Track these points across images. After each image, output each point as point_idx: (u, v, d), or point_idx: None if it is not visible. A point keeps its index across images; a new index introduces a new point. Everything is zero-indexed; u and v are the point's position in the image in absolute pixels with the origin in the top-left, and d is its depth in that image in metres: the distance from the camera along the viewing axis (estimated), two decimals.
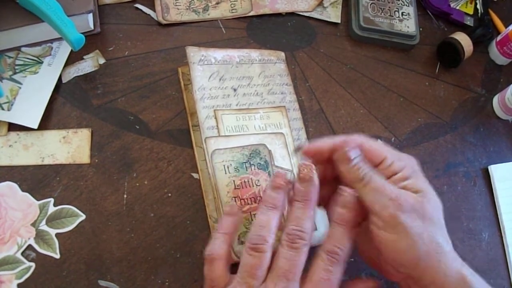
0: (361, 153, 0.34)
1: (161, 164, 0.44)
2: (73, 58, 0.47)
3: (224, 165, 0.42)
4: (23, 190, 0.41)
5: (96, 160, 0.43)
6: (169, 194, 0.43)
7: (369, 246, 0.35)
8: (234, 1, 0.54)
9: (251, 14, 0.53)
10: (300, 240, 0.32)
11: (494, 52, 0.59)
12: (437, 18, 0.60)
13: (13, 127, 0.43)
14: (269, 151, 0.44)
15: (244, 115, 0.45)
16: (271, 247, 0.33)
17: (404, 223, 0.31)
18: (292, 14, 0.55)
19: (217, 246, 0.35)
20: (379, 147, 0.35)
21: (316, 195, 0.34)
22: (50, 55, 0.46)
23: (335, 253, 0.32)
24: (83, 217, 0.41)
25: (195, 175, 0.44)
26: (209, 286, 0.34)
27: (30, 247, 0.39)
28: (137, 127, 0.46)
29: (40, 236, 0.40)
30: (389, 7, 0.56)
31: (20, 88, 0.44)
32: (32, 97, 0.44)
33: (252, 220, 0.41)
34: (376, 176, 0.33)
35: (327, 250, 0.33)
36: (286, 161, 0.44)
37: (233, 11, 0.53)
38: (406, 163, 0.35)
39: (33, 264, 0.39)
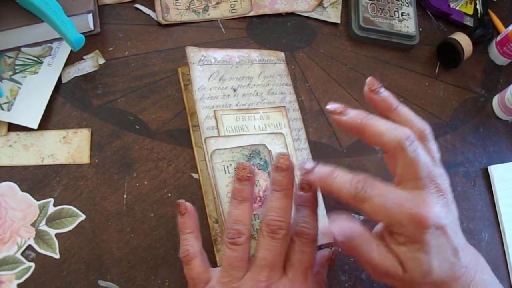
0: None
1: (161, 164, 0.44)
2: (73, 58, 0.47)
3: (224, 165, 0.42)
4: (23, 190, 0.41)
5: (96, 160, 0.43)
6: (169, 194, 0.43)
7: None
8: (234, 1, 0.54)
9: (251, 14, 0.54)
10: (281, 230, 0.33)
11: (494, 52, 0.59)
12: (437, 19, 0.60)
13: (13, 127, 0.43)
14: (269, 151, 0.44)
15: (244, 115, 0.45)
16: (249, 239, 0.34)
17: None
18: (292, 14, 0.55)
19: (189, 245, 0.36)
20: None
21: (292, 183, 0.34)
22: (50, 55, 0.46)
23: (304, 233, 0.34)
24: (83, 217, 0.41)
25: (195, 175, 0.44)
26: (191, 285, 0.35)
27: (30, 247, 0.39)
28: (137, 127, 0.46)
29: (40, 236, 0.40)
30: (389, 8, 0.56)
31: (20, 88, 0.44)
32: (32, 97, 0.44)
33: (252, 220, 0.41)
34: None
35: (297, 233, 0.34)
36: None
37: (233, 11, 0.53)
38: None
39: (33, 264, 0.39)
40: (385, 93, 0.35)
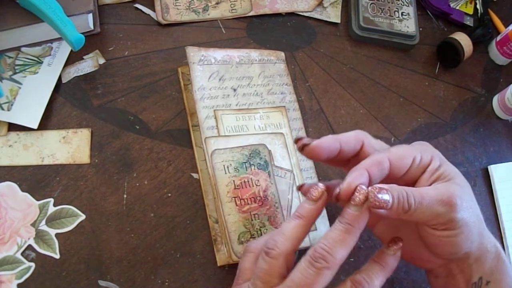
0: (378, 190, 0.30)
1: (161, 164, 0.44)
2: (73, 58, 0.47)
3: (224, 165, 0.42)
4: (23, 190, 0.41)
5: (96, 160, 0.43)
6: (169, 194, 0.43)
7: (407, 240, 0.35)
8: (234, 1, 0.54)
9: (251, 14, 0.53)
10: (324, 262, 0.30)
11: (494, 52, 0.59)
12: (437, 18, 0.60)
13: (13, 127, 0.43)
14: (269, 151, 0.44)
15: (244, 115, 0.45)
16: (284, 256, 0.31)
17: (462, 219, 0.31)
18: (292, 14, 0.55)
19: (256, 241, 0.36)
20: (403, 152, 0.33)
21: (364, 224, 0.31)
22: (50, 55, 0.46)
23: (363, 286, 0.31)
24: (83, 217, 0.41)
25: (195, 175, 0.44)
26: (237, 275, 0.35)
27: (30, 247, 0.39)
28: (137, 127, 0.46)
29: (40, 236, 0.40)
30: (389, 7, 0.56)
31: (20, 88, 0.44)
32: (32, 97, 0.44)
33: (252, 220, 0.41)
34: (410, 194, 0.31)
35: (356, 281, 0.32)
36: (286, 161, 0.44)
37: (233, 11, 0.53)
38: (430, 152, 0.34)
39: (33, 264, 0.39)
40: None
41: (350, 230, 0.30)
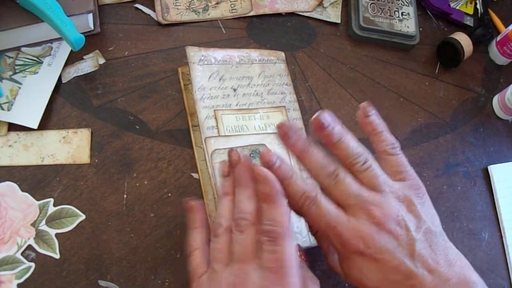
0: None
1: (161, 164, 0.44)
2: (73, 58, 0.47)
3: None
4: (23, 190, 0.41)
5: (96, 160, 0.43)
6: (169, 194, 0.43)
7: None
8: (234, 1, 0.54)
9: (251, 14, 0.54)
10: (243, 220, 0.33)
11: (494, 52, 0.59)
12: (437, 18, 0.60)
13: (13, 127, 0.43)
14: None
15: (244, 115, 0.45)
16: (228, 229, 0.34)
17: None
18: (292, 14, 0.55)
19: (192, 239, 0.37)
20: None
21: (248, 173, 0.35)
22: (50, 55, 0.46)
23: (271, 232, 0.32)
24: (83, 217, 0.41)
25: (195, 175, 0.44)
26: (190, 278, 0.35)
27: (30, 247, 0.39)
28: (137, 127, 0.46)
29: (40, 236, 0.40)
30: (389, 7, 0.56)
31: (20, 88, 0.44)
32: (32, 97, 0.44)
33: None
34: None
35: (263, 231, 0.32)
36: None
37: (233, 11, 0.53)
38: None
39: (33, 264, 0.39)
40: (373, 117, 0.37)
41: (243, 186, 0.34)
